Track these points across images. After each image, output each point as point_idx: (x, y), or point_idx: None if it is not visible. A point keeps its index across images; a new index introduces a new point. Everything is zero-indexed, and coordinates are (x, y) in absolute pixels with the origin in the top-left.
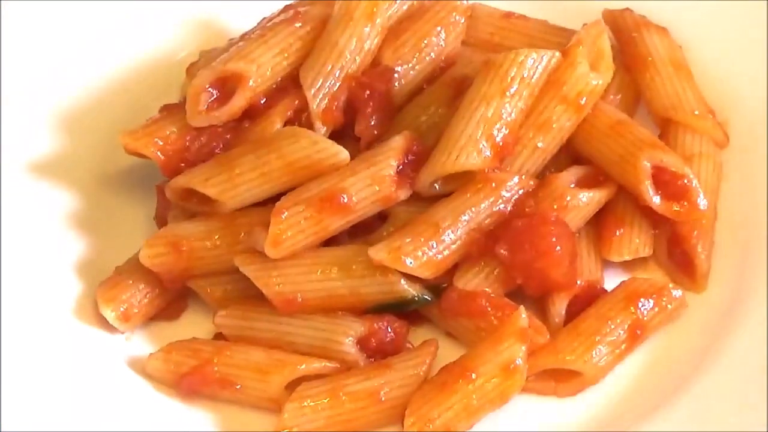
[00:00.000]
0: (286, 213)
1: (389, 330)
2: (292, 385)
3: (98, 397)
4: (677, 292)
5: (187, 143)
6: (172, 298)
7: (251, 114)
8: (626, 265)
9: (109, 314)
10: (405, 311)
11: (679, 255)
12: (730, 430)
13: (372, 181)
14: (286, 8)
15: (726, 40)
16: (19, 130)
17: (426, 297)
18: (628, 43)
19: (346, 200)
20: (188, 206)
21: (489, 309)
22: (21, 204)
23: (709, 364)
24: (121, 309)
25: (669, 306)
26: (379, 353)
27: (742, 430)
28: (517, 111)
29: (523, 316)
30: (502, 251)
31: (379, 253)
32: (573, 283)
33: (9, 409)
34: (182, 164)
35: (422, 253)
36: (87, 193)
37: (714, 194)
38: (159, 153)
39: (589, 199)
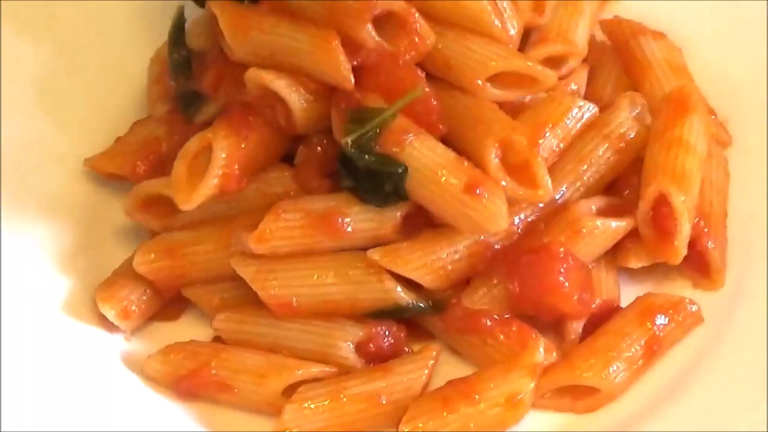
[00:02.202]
0: (283, 215)
1: (387, 335)
2: (290, 390)
3: (98, 398)
4: (693, 307)
5: (153, 153)
6: (172, 297)
7: None
8: (644, 276)
9: (109, 312)
10: (402, 319)
11: (692, 256)
12: (730, 430)
13: (375, 219)
14: None
15: (726, 40)
16: (17, 130)
17: (420, 304)
18: (625, 50)
19: (342, 224)
20: (145, 222)
21: (495, 327)
22: (19, 204)
23: (709, 364)
24: (122, 305)
25: (685, 321)
26: (377, 358)
27: (742, 430)
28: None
29: (540, 350)
30: (510, 286)
31: (376, 253)
32: (585, 311)
33: (9, 409)
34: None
35: (420, 257)
36: (85, 194)
37: (721, 193)
38: (129, 169)
39: (605, 227)
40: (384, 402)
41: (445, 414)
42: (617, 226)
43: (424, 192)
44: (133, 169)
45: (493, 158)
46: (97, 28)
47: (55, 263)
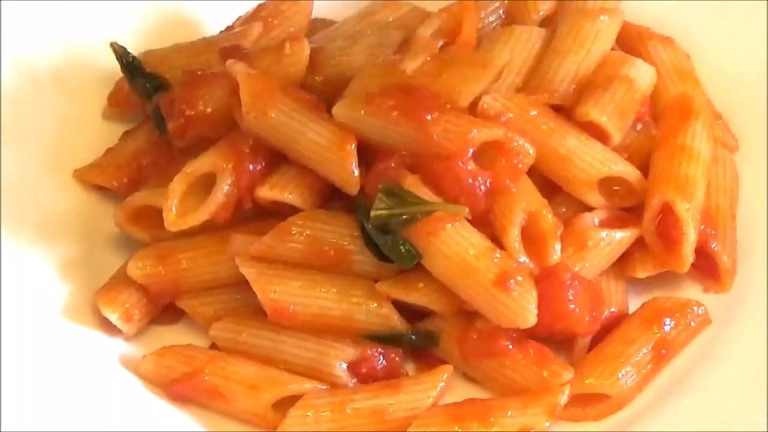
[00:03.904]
0: (291, 236)
1: (381, 358)
2: (280, 404)
3: (98, 399)
4: (700, 309)
5: (140, 165)
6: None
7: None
8: (653, 280)
9: (112, 314)
10: (415, 349)
11: (700, 260)
12: (730, 430)
13: (378, 266)
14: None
15: (734, 44)
16: (16, 135)
17: (413, 336)
18: (633, 54)
19: (344, 262)
20: (135, 233)
21: (511, 347)
22: (18, 207)
23: (709, 364)
24: (124, 308)
25: (692, 323)
26: (370, 380)
27: (742, 430)
28: None
29: (565, 393)
30: None
31: (384, 285)
32: (597, 327)
33: (9, 409)
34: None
35: (427, 284)
36: (85, 198)
37: (728, 194)
38: (117, 183)
39: (610, 238)
40: (388, 419)
41: (456, 428)
42: (622, 236)
43: (454, 279)
44: (120, 183)
45: (514, 232)
46: (97, 32)
47: (54, 268)
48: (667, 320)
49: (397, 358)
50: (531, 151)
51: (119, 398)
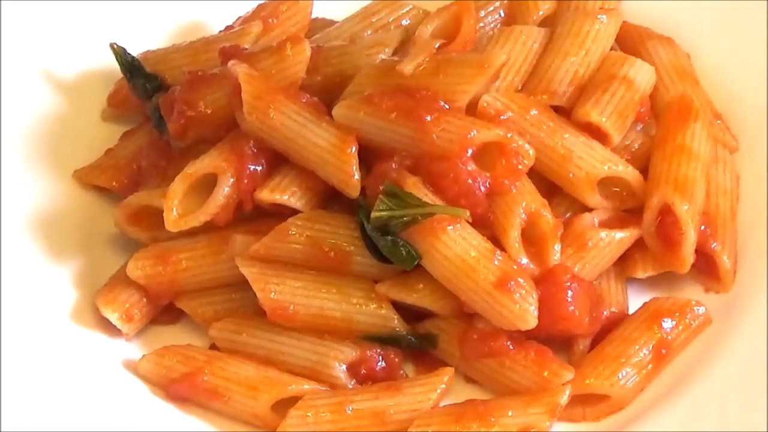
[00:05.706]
0: (290, 237)
1: (381, 359)
2: (280, 405)
3: (98, 399)
4: (700, 309)
5: (140, 165)
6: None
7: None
8: (654, 281)
9: (112, 315)
10: (414, 350)
11: (700, 260)
12: (730, 430)
13: (378, 267)
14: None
15: (734, 44)
16: (16, 131)
17: (411, 338)
18: (633, 55)
19: (343, 264)
20: (134, 234)
21: (512, 348)
22: (18, 208)
23: (709, 364)
24: (124, 308)
25: (693, 323)
26: (369, 381)
27: (742, 430)
28: None
29: (566, 393)
30: None
31: (383, 287)
32: (595, 328)
33: (9, 409)
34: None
35: (427, 285)
36: (85, 198)
37: (728, 194)
38: (118, 185)
39: (610, 239)
40: (388, 421)
41: (456, 428)
42: (622, 236)
43: (454, 280)
44: (120, 184)
45: (514, 233)
46: (97, 32)
47: (53, 268)
48: (668, 320)
49: (396, 360)
50: (531, 152)
51: (119, 398)
